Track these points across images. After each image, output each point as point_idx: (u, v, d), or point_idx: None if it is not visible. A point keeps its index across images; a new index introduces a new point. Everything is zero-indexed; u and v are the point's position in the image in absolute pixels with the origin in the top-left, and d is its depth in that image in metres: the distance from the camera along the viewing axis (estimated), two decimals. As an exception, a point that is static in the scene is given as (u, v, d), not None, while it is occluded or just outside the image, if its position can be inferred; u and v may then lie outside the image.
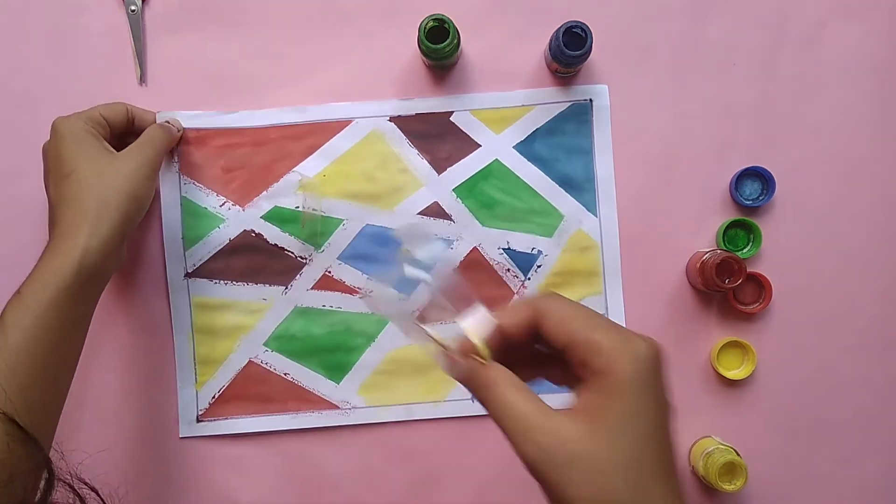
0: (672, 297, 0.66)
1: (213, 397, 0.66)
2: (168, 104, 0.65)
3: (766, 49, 0.66)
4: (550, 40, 0.63)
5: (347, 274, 0.66)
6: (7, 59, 0.66)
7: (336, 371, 0.66)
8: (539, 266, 0.66)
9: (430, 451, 0.66)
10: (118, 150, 0.59)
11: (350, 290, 0.66)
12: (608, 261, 0.66)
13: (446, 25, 0.61)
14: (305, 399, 0.66)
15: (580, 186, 0.66)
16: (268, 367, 0.66)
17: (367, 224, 0.66)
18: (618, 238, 0.66)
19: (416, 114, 0.66)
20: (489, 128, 0.66)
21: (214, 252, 0.66)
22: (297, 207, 0.65)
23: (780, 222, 0.66)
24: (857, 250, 0.66)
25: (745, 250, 0.66)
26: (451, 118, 0.66)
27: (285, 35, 0.66)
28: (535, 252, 0.66)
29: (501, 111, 0.66)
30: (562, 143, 0.66)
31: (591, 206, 0.66)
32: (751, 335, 0.66)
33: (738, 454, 0.61)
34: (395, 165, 0.66)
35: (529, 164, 0.66)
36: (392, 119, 0.66)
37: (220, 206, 0.66)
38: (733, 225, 0.66)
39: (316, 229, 0.65)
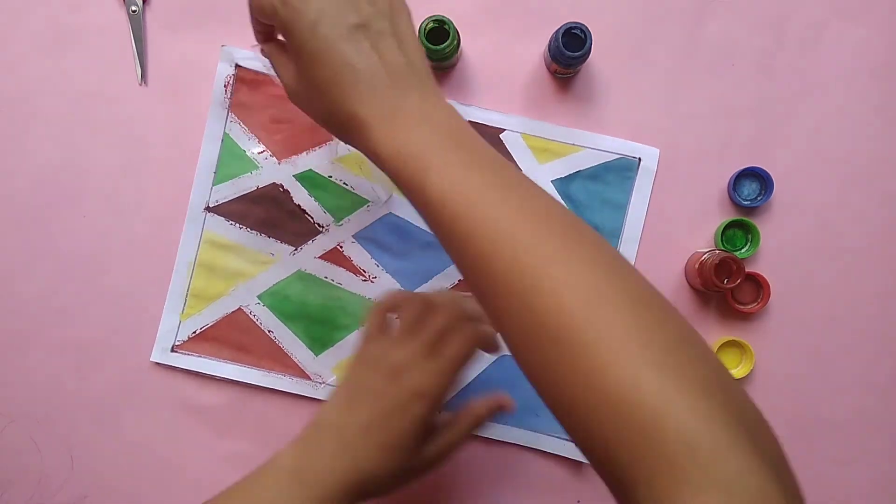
0: (671, 297, 0.65)
1: (194, 332, 0.66)
2: (169, 105, 0.66)
3: (766, 49, 0.66)
4: (550, 41, 0.63)
5: (357, 253, 0.66)
6: (6, 59, 0.65)
7: (318, 343, 0.66)
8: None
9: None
10: None
11: (355, 270, 0.66)
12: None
13: (446, 26, 0.61)
14: (281, 361, 0.66)
15: (604, 239, 0.66)
16: (255, 320, 0.66)
17: (391, 213, 0.66)
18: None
19: (469, 121, 0.66)
20: (535, 156, 0.66)
21: (239, 195, 0.66)
22: (330, 177, 0.66)
23: (778, 222, 0.66)
24: (856, 250, 0.66)
25: (743, 250, 0.66)
26: (501, 135, 0.66)
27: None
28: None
29: (551, 143, 0.66)
30: (600, 192, 0.66)
31: (609, 261, 0.66)
32: (749, 335, 0.66)
33: None
34: (435, 165, 0.66)
35: (562, 202, 0.66)
36: (445, 119, 0.66)
37: (259, 153, 0.66)
38: (731, 225, 0.66)
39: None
